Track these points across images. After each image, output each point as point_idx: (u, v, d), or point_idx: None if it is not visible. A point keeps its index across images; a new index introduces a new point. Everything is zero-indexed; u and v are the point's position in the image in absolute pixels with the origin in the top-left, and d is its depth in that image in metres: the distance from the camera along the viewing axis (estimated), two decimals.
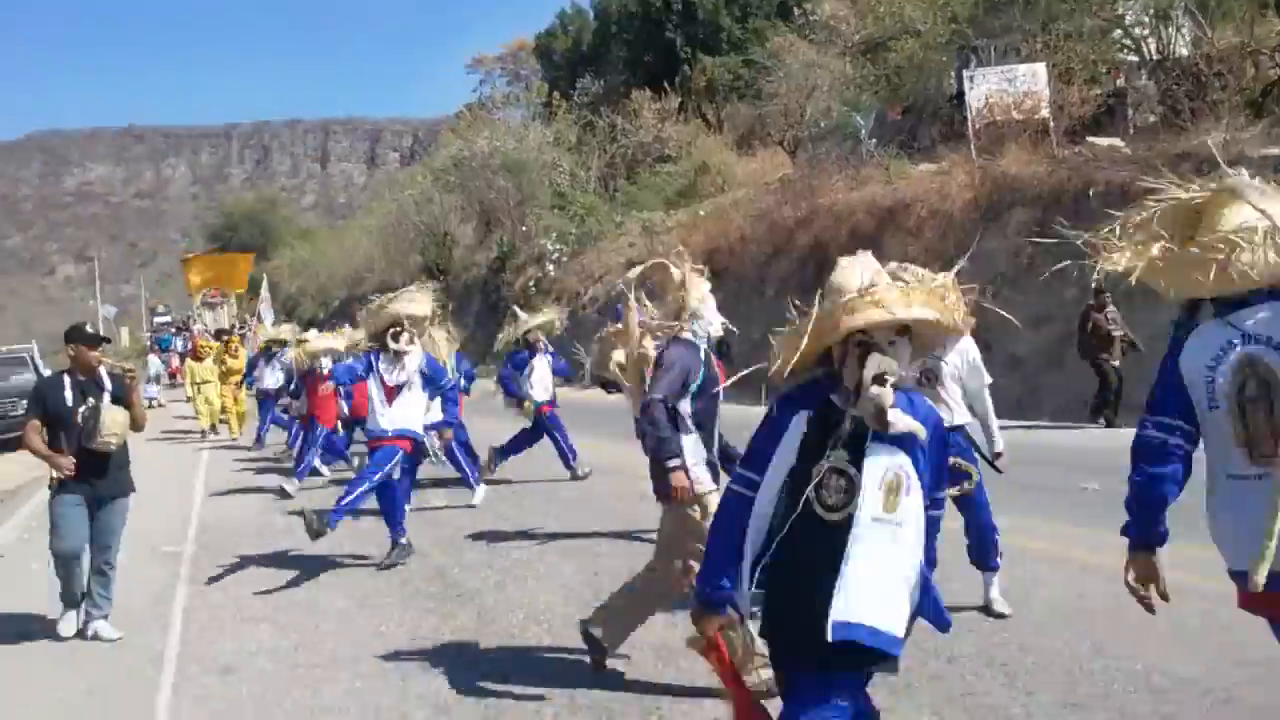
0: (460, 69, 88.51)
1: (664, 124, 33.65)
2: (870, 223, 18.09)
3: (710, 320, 5.07)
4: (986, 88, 17.61)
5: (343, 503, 7.43)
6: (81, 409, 6.23)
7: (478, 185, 35.06)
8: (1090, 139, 15.93)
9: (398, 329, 7.70)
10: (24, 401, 18.64)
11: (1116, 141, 15.44)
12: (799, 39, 28.67)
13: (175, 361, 30.38)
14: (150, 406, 17.63)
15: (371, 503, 7.94)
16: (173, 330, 36.98)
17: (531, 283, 29.51)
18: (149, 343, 37.81)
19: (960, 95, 19.17)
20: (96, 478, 6.29)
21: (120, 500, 6.44)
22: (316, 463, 12.13)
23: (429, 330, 8.63)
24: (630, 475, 8.25)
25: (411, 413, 7.75)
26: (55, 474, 6.29)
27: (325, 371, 11.18)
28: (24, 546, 9.67)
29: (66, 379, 6.36)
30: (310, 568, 7.65)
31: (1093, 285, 11.73)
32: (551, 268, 29.12)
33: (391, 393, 7.67)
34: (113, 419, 6.22)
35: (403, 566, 7.68)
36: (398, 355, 7.68)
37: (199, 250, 61.40)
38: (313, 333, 14.71)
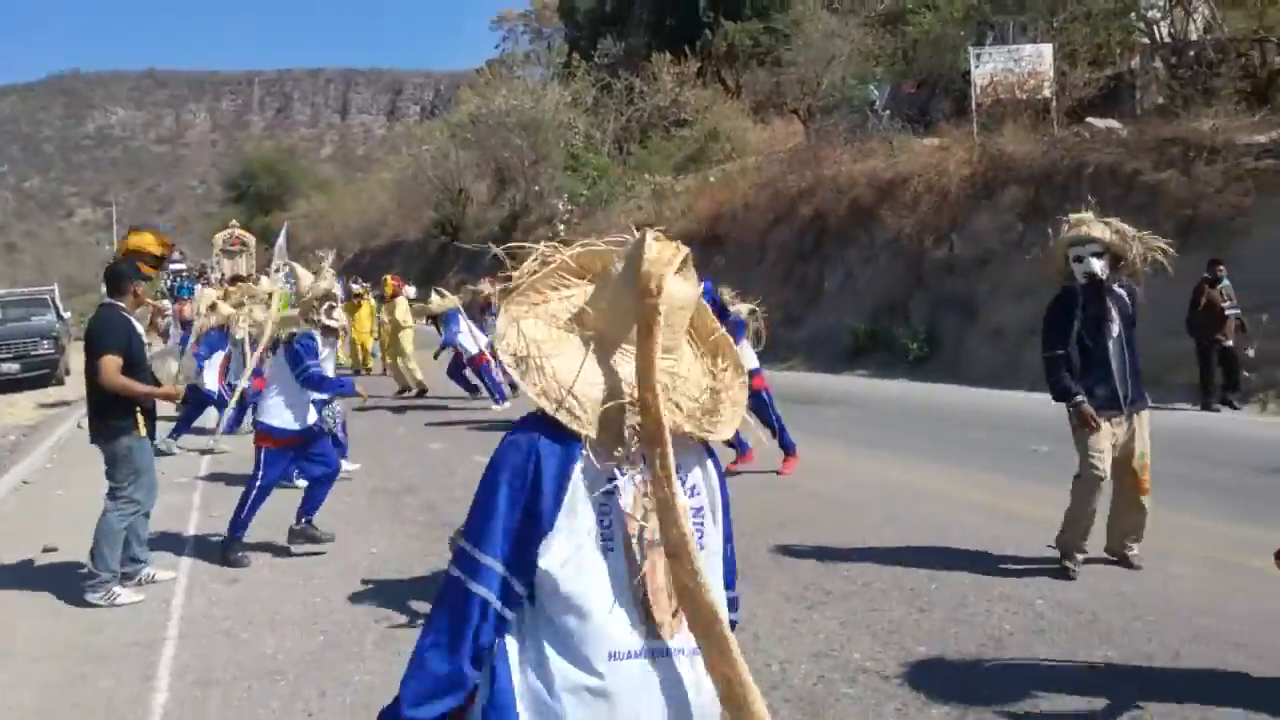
0: (485, 24, 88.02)
1: (682, 88, 33.69)
2: (870, 195, 18.37)
3: None
4: (992, 66, 17.88)
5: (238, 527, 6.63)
6: (152, 349, 6.08)
7: (493, 143, 35.34)
8: (1090, 120, 16.16)
9: (332, 303, 6.94)
10: (45, 342, 19.37)
11: (1114, 124, 15.68)
12: (821, 8, 28.77)
13: (188, 310, 30.63)
14: None
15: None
16: (190, 278, 37.17)
17: (541, 242, 29.86)
18: (165, 289, 38.13)
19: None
20: (155, 420, 6.18)
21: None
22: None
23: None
24: None
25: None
26: (140, 419, 5.91)
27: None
28: (46, 475, 10.33)
29: (131, 319, 6.11)
30: None
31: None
32: (562, 228, 29.45)
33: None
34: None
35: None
36: (332, 332, 6.98)
37: (218, 198, 61.57)
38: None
